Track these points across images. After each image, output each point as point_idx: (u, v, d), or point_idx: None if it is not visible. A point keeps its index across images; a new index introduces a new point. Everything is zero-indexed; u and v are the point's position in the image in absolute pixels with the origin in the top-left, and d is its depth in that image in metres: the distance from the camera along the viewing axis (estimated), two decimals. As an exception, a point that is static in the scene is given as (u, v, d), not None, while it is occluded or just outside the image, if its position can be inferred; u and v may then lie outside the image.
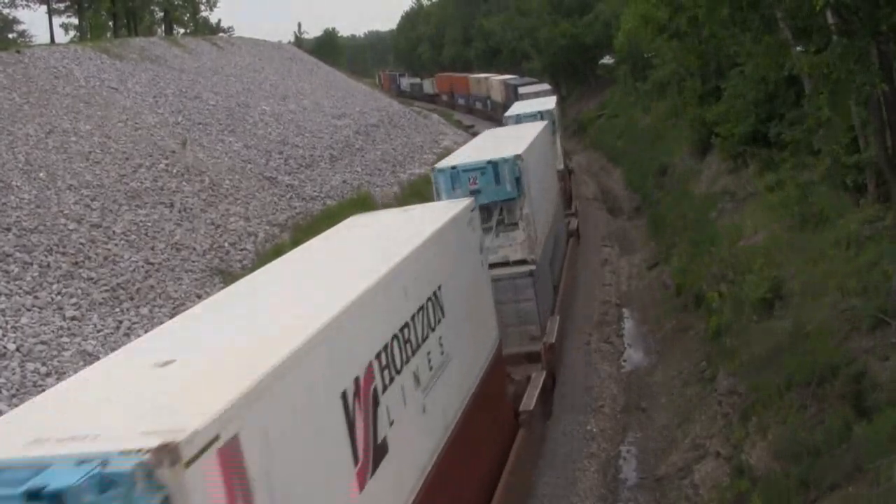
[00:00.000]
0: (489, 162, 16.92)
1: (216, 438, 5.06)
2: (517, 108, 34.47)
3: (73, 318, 17.98)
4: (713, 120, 27.40)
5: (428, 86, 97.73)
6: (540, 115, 29.74)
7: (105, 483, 4.66)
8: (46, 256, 19.62)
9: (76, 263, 19.95)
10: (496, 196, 16.86)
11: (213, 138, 33.29)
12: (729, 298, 17.71)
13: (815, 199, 18.15)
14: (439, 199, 16.31)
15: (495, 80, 65.50)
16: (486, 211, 16.33)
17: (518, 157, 17.09)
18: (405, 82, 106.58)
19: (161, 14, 63.26)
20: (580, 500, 13.96)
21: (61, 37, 53.41)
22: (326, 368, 6.86)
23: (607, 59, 59.51)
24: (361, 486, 7.14)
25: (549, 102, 34.88)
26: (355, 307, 7.67)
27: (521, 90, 50.73)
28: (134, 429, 4.92)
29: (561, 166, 30.07)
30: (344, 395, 7.05)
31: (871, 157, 16.29)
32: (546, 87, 51.81)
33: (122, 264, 20.87)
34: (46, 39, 47.60)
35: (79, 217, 21.93)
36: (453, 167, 17.05)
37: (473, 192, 16.25)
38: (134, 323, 18.90)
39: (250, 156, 33.19)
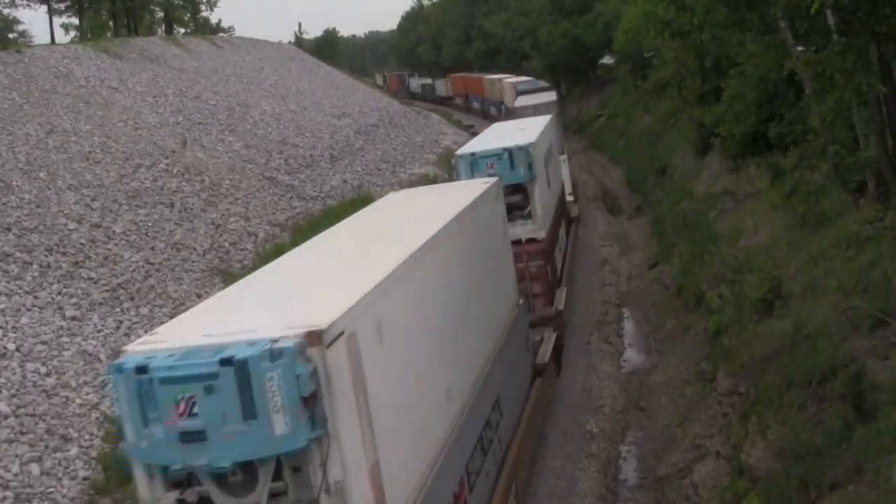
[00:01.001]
0: (224, 360, 6.67)
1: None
2: (479, 141, 23.27)
3: (73, 318, 17.99)
4: (711, 121, 27.42)
5: (441, 87, 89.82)
6: (507, 155, 19.14)
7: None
8: (47, 256, 19.62)
9: (76, 263, 19.96)
10: (255, 450, 6.83)
11: (213, 138, 33.30)
12: (729, 298, 17.72)
13: (817, 199, 18.15)
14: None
15: (507, 83, 57.26)
16: (247, 473, 6.95)
17: (306, 345, 6.78)
18: (415, 83, 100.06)
19: (161, 14, 63.25)
20: (580, 500, 13.96)
21: (61, 37, 53.46)
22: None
23: (607, 59, 59.54)
24: None
25: (533, 128, 23.11)
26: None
27: (518, 102, 40.20)
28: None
29: (541, 232, 19.80)
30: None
31: (871, 156, 16.31)
32: (549, 97, 39.59)
33: (122, 264, 20.88)
34: (47, 39, 47.65)
35: (79, 217, 21.94)
36: (142, 373, 6.89)
37: (190, 440, 6.75)
38: (134, 323, 18.91)
39: (250, 155, 33.20)
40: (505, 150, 19.25)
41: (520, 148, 19.30)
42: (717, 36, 17.48)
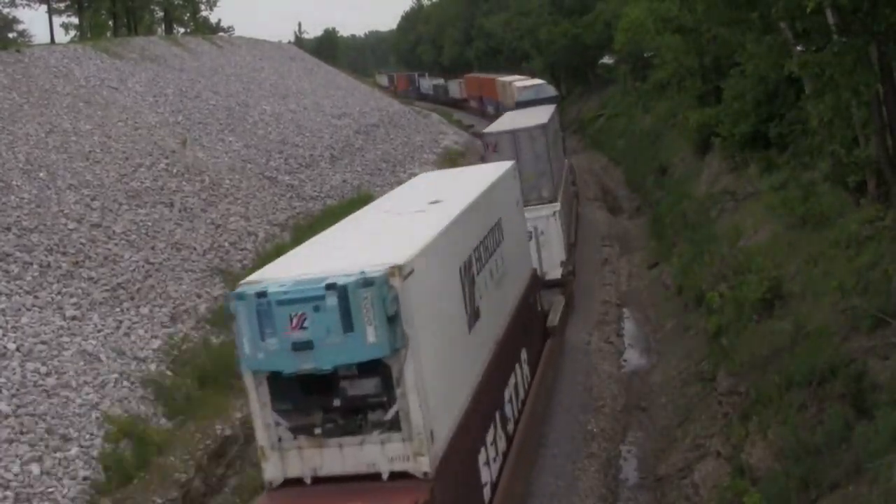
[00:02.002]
0: None
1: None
2: (296, 256, 11.44)
3: (73, 318, 17.98)
4: (707, 122, 27.41)
5: (455, 88, 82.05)
6: (336, 299, 9.01)
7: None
8: (47, 256, 19.62)
9: (76, 263, 19.95)
10: None
11: (213, 138, 33.29)
12: (729, 298, 17.72)
13: (816, 198, 18.17)
14: None
15: (515, 88, 49.40)
16: None
17: None
18: (426, 84, 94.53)
19: (161, 13, 63.21)
20: (581, 500, 13.96)
21: (61, 36, 53.30)
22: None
23: (607, 59, 59.54)
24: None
25: (447, 208, 12.88)
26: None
27: (489, 130, 26.23)
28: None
29: (422, 461, 9.53)
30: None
31: (871, 156, 16.31)
32: (537, 118, 25.99)
33: (122, 264, 20.87)
34: (46, 39, 47.57)
35: (79, 217, 21.93)
36: None
37: None
38: (134, 322, 18.91)
39: (250, 155, 33.19)
40: (331, 286, 9.08)
41: (366, 283, 9.02)
42: (717, 34, 17.44)
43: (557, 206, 22.39)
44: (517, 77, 57.44)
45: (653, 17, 29.71)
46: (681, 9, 20.64)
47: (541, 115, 27.67)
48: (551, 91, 40.58)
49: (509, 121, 28.37)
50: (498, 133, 24.37)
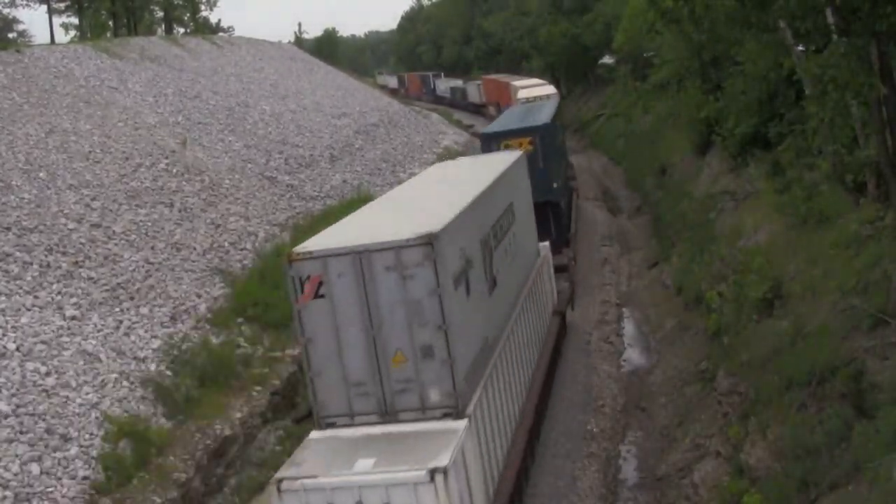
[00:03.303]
0: None
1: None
2: None
3: (73, 318, 17.98)
4: (711, 116, 27.32)
5: (474, 91, 72.25)
6: None
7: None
8: (46, 256, 19.61)
9: (76, 263, 19.95)
10: None
11: (213, 138, 33.28)
12: (729, 298, 17.72)
13: (817, 198, 18.16)
14: None
15: (521, 95, 45.37)
16: None
17: None
18: (443, 86, 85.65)
19: (161, 14, 63.20)
20: (580, 500, 13.97)
21: (61, 36, 53.27)
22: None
23: (607, 59, 59.56)
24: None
25: None
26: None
27: (304, 247, 11.58)
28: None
29: None
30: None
31: (871, 156, 16.30)
32: (434, 223, 11.38)
33: (122, 264, 20.87)
34: (46, 39, 47.58)
35: (79, 217, 21.93)
36: None
37: None
38: (134, 322, 18.91)
39: (250, 155, 33.19)
40: None
41: None
42: (715, 29, 17.37)
43: (458, 436, 10.51)
44: (532, 82, 50.66)
45: (650, 11, 29.42)
46: (677, 2, 20.53)
47: (464, 192, 14.33)
48: (543, 114, 28.09)
49: (371, 222, 13.43)
50: (322, 256, 11.36)
